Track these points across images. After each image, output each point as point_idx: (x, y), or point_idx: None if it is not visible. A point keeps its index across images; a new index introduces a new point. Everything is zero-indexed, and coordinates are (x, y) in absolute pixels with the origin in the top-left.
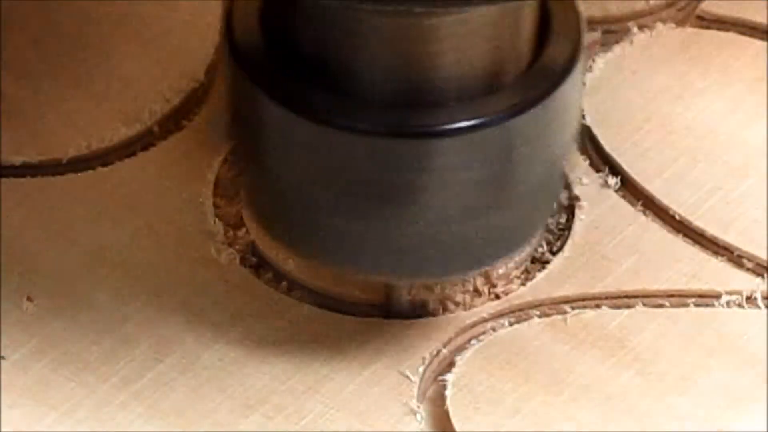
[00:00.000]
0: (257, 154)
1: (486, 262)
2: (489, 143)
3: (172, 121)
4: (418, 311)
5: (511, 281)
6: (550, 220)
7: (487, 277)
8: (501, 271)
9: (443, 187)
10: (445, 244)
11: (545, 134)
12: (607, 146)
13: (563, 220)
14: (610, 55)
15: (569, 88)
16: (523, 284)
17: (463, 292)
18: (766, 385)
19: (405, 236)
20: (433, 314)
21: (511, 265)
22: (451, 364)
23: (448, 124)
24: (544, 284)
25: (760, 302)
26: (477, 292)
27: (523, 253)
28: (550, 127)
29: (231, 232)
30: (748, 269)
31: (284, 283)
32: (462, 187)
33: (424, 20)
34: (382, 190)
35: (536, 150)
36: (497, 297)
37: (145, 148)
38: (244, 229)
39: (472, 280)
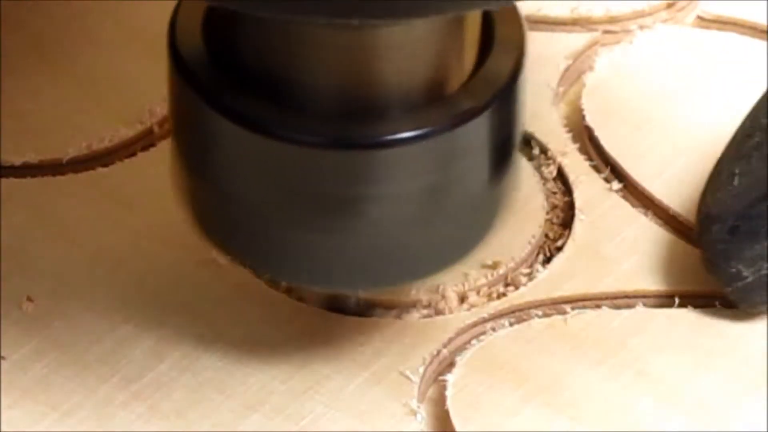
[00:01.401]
0: (201, 166)
1: (434, 270)
2: (433, 153)
3: None
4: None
5: (510, 282)
6: (550, 219)
7: (486, 278)
8: (501, 271)
9: (388, 197)
10: (392, 254)
11: (488, 143)
12: (608, 146)
13: (563, 219)
14: (610, 55)
15: (511, 99)
16: (523, 284)
17: (462, 293)
18: (765, 385)
19: (351, 247)
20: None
21: (511, 265)
22: (451, 364)
23: (391, 134)
24: (544, 284)
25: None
26: (477, 293)
27: (524, 254)
28: (493, 137)
29: None
30: None
31: (284, 283)
32: (407, 197)
33: (365, 32)
34: (327, 202)
35: (480, 159)
36: (498, 297)
37: (145, 148)
38: None
39: (470, 281)
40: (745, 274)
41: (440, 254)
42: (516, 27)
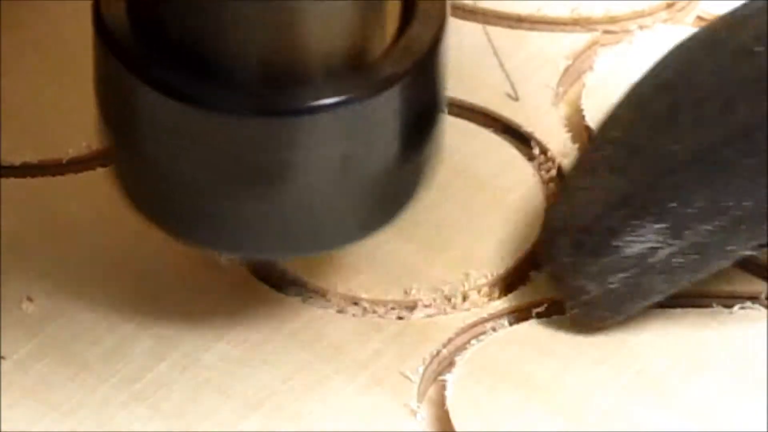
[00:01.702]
0: (126, 134)
1: (355, 238)
2: (355, 120)
3: None
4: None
5: (511, 282)
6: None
7: (486, 278)
8: (501, 271)
9: (311, 164)
10: (314, 222)
11: (409, 112)
12: None
13: None
14: (610, 55)
15: (432, 67)
16: (523, 284)
17: (462, 293)
18: (766, 385)
19: (273, 215)
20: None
21: (511, 265)
22: (451, 364)
23: (312, 101)
24: (544, 284)
25: (760, 303)
26: (477, 293)
27: (524, 253)
28: (413, 105)
29: None
30: (748, 270)
31: (284, 283)
32: (329, 164)
33: (285, 1)
34: (251, 170)
35: (401, 127)
36: (498, 297)
37: None
38: None
39: (470, 281)
40: (589, 288)
41: (361, 222)
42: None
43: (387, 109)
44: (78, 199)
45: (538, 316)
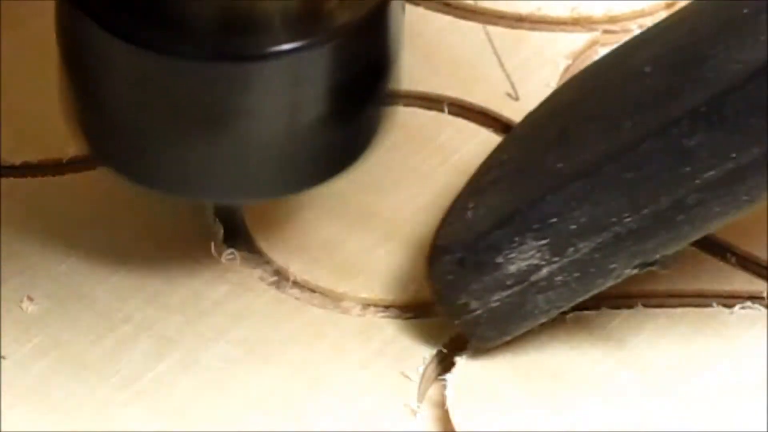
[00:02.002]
0: (84, 81)
1: (310, 183)
2: (308, 67)
3: None
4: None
5: None
6: None
7: None
8: None
9: (268, 109)
10: (273, 166)
11: (367, 56)
12: None
13: None
14: None
15: (387, 17)
16: None
17: None
18: (766, 385)
19: (232, 160)
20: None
21: None
22: (451, 364)
23: (270, 47)
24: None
25: (760, 302)
26: None
27: None
28: (371, 50)
29: (231, 232)
30: (748, 269)
31: (284, 283)
32: (282, 110)
33: None
34: (208, 115)
35: (359, 71)
36: None
37: None
38: (244, 229)
39: None
40: (472, 306)
41: (313, 170)
42: None
43: (340, 57)
44: (78, 199)
45: None
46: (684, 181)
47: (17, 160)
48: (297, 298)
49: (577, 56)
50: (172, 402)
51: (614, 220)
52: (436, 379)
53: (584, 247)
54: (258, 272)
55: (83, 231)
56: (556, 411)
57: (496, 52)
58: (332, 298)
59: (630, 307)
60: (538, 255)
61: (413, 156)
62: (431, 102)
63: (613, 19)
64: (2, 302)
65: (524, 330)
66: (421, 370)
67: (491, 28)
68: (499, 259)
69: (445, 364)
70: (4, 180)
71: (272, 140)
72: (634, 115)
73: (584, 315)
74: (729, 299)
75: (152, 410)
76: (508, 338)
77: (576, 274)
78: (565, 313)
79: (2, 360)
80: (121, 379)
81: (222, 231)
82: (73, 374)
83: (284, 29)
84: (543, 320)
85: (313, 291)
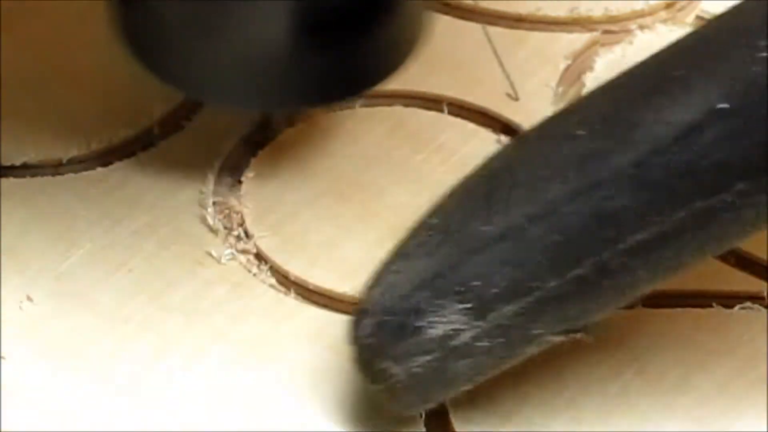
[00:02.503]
0: None
1: (348, 93)
2: None
3: (172, 121)
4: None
5: None
6: None
7: None
8: None
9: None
10: (329, 65)
11: None
12: None
13: None
14: (610, 55)
15: None
16: None
17: None
18: (766, 385)
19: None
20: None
21: None
22: None
23: None
24: None
25: (760, 302)
26: None
27: None
28: None
29: (231, 232)
30: (748, 269)
31: (284, 283)
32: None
33: None
34: (232, 8)
35: None
36: None
37: (145, 148)
38: (243, 229)
39: None
40: (393, 371)
41: (363, 75)
42: None
43: None
44: (78, 199)
45: None
46: (608, 245)
47: (17, 160)
48: (297, 298)
49: (577, 56)
50: (172, 402)
51: (537, 284)
52: None
53: (507, 311)
54: (258, 272)
55: (83, 231)
56: (556, 411)
57: (496, 52)
58: (332, 298)
59: (630, 307)
60: (460, 319)
61: (413, 156)
62: (431, 102)
63: (612, 19)
64: (2, 302)
65: (447, 397)
66: None
67: (491, 28)
68: (420, 323)
69: None
70: (4, 180)
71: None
72: (560, 178)
73: None
74: (729, 299)
75: (152, 410)
76: (431, 405)
77: (499, 340)
78: None
79: (2, 360)
80: (121, 379)
81: (222, 231)
82: (73, 374)
83: None
84: (466, 387)
85: (313, 291)
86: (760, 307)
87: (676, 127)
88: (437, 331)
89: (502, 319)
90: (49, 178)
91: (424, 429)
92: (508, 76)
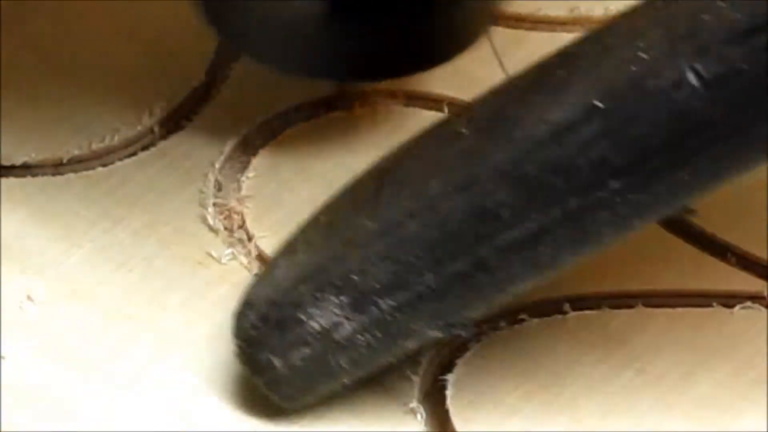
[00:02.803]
0: None
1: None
2: None
3: (172, 121)
4: None
5: None
6: None
7: None
8: None
9: None
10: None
11: None
12: None
13: None
14: None
15: None
16: None
17: None
18: (766, 385)
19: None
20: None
21: None
22: (451, 364)
23: None
24: (544, 284)
25: (760, 302)
26: None
27: None
28: None
29: (231, 232)
30: (748, 269)
31: None
32: None
33: None
34: None
35: None
36: None
37: (145, 148)
38: (244, 229)
39: None
40: (275, 363)
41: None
42: None
43: None
44: (78, 199)
45: (538, 315)
46: (485, 241)
47: (17, 160)
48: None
49: None
50: (173, 402)
51: (415, 278)
52: (436, 379)
53: (386, 305)
54: (258, 272)
55: (83, 231)
56: (556, 411)
57: (496, 52)
58: None
59: (631, 307)
60: (340, 313)
61: None
62: (431, 102)
63: None
64: (2, 302)
65: (328, 391)
66: (421, 370)
67: (491, 28)
68: (302, 316)
69: (445, 364)
70: (4, 180)
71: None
72: (442, 175)
73: (585, 315)
74: (729, 299)
75: (153, 410)
76: (312, 399)
77: (378, 334)
78: (565, 312)
79: (2, 360)
80: (121, 379)
81: (222, 231)
82: (73, 374)
83: None
84: (347, 381)
85: None
86: (761, 307)
87: (552, 124)
88: (318, 324)
89: (381, 314)
90: (49, 178)
91: (424, 429)
92: (508, 76)
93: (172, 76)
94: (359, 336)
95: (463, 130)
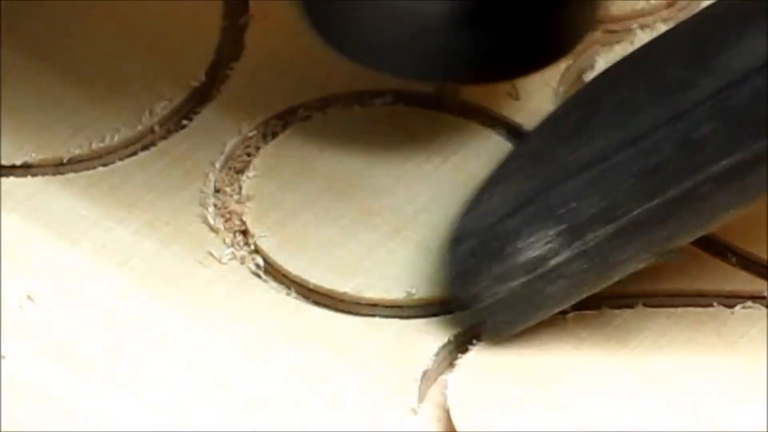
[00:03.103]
0: None
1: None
2: None
3: (172, 121)
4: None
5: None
6: None
7: None
8: None
9: None
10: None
11: None
12: None
13: None
14: (610, 55)
15: None
16: None
17: None
18: (766, 385)
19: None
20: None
21: None
22: (451, 364)
23: None
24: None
25: (760, 302)
26: None
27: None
28: None
29: (231, 232)
30: (748, 269)
31: (284, 282)
32: None
33: None
34: None
35: None
36: None
37: (145, 148)
38: (244, 229)
39: None
40: (488, 293)
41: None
42: None
43: None
44: (78, 199)
45: None
46: (693, 172)
47: (17, 160)
48: (297, 298)
49: (577, 56)
50: (172, 402)
51: (625, 209)
52: (436, 379)
53: (599, 235)
54: (258, 272)
55: (83, 231)
56: (556, 411)
57: None
58: (332, 298)
59: (631, 306)
60: (553, 243)
61: (413, 156)
62: (431, 102)
63: (613, 19)
64: (2, 302)
65: (537, 320)
66: (421, 370)
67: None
68: (514, 247)
69: (445, 364)
70: (4, 180)
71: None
72: (649, 106)
73: (585, 315)
74: (730, 299)
75: (152, 410)
76: (522, 328)
77: (590, 263)
78: (565, 312)
79: (2, 360)
80: (121, 379)
81: (222, 231)
82: (73, 374)
83: None
84: (556, 310)
85: (313, 291)
86: (761, 307)
87: (759, 57)
88: (530, 254)
89: (593, 243)
90: (49, 178)
91: (424, 429)
92: None
93: (172, 76)
94: (571, 265)
95: (666, 61)
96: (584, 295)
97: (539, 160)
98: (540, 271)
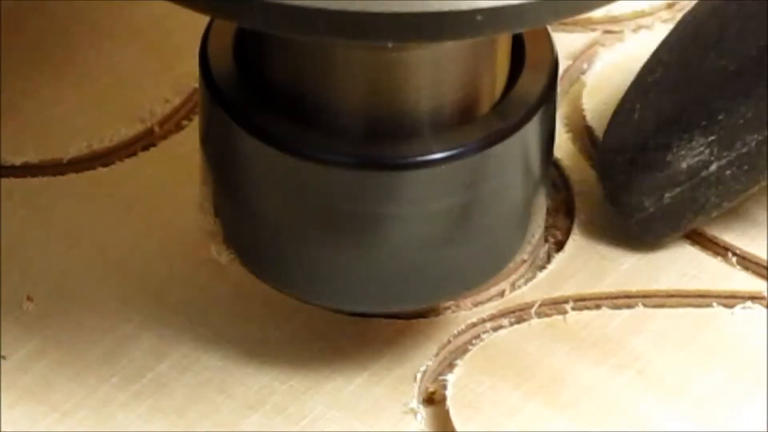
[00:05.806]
0: (229, 182)
1: (461, 290)
2: (462, 174)
3: (172, 121)
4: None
5: (511, 282)
6: (550, 221)
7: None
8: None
9: (416, 218)
10: (419, 274)
11: (518, 166)
12: None
13: (563, 220)
14: (610, 55)
15: (542, 120)
16: (523, 284)
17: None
18: (765, 385)
19: (375, 268)
20: (435, 314)
21: (511, 265)
22: (451, 364)
23: (420, 155)
24: (544, 284)
25: (760, 303)
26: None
27: (524, 254)
28: (523, 159)
29: None
30: (748, 269)
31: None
32: (434, 218)
33: (396, 53)
34: (354, 221)
35: (509, 181)
36: (498, 297)
37: (145, 148)
38: None
39: None
40: (646, 204)
41: (467, 275)
42: (546, 47)
43: (493, 163)
44: (78, 199)
45: (538, 316)
46: None
47: (17, 160)
48: (297, 298)
49: (577, 56)
50: (172, 402)
51: None
52: (436, 379)
53: (752, 140)
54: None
55: (83, 231)
56: (556, 411)
57: None
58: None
59: (630, 307)
60: (707, 151)
61: None
62: None
63: (613, 19)
64: (2, 302)
65: (696, 225)
66: (421, 370)
67: None
68: (669, 157)
69: (445, 364)
70: (4, 180)
71: (422, 247)
72: None
73: (585, 315)
74: (729, 299)
75: (152, 410)
76: (681, 233)
77: (745, 167)
78: (565, 313)
79: (2, 360)
80: (121, 379)
81: (222, 231)
82: (73, 374)
83: (436, 136)
84: (714, 214)
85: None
86: (761, 307)
87: None
88: (686, 164)
89: (747, 149)
90: (49, 178)
91: (424, 429)
92: None
93: (171, 76)
94: (726, 171)
95: None
96: (739, 198)
97: (682, 70)
98: (694, 180)
